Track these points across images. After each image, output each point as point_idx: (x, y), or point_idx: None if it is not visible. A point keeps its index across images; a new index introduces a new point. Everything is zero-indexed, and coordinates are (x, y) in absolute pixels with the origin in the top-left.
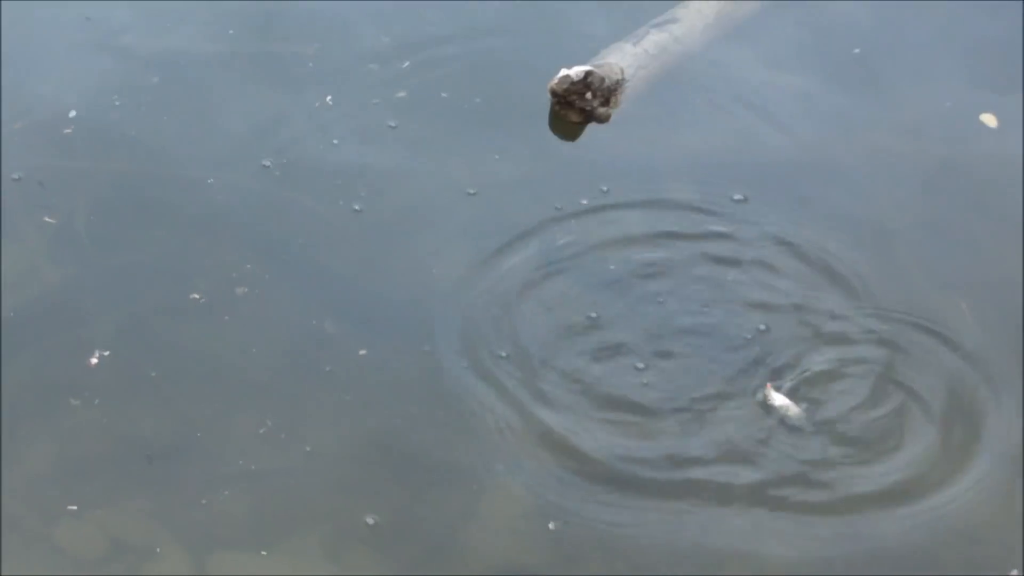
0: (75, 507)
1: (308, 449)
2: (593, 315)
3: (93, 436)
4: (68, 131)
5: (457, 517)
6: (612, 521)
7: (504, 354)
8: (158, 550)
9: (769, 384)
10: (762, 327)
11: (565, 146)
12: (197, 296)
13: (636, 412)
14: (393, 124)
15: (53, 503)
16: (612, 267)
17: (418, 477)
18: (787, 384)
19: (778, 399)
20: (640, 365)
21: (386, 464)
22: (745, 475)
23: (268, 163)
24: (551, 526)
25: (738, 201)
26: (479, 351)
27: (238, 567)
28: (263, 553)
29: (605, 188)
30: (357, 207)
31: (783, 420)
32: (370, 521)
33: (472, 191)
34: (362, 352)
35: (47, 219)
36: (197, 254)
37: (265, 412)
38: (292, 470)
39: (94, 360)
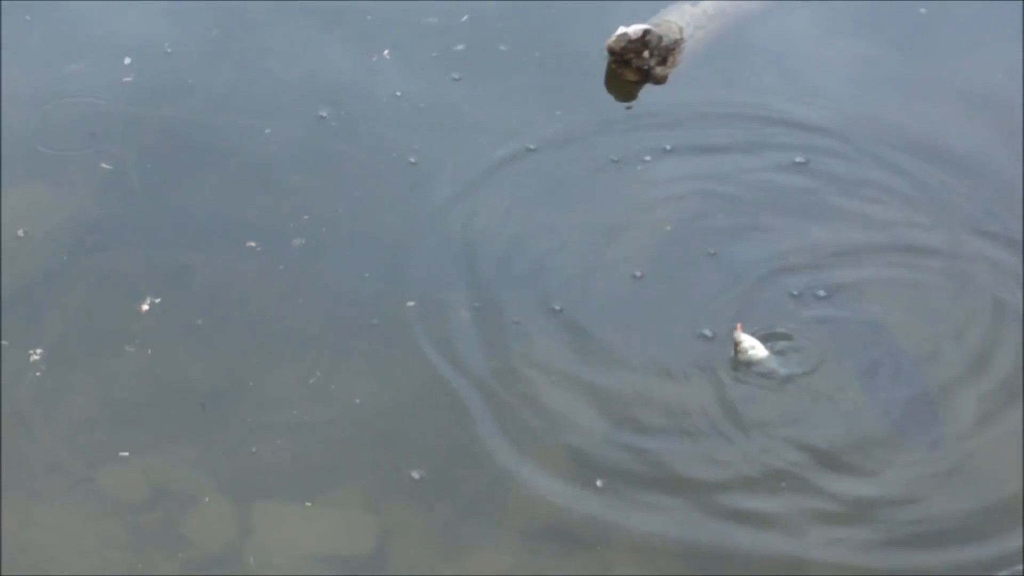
0: (120, 452)
1: (357, 401)
2: (637, 273)
3: (141, 382)
4: (128, 79)
5: (501, 473)
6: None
7: (558, 307)
8: (203, 498)
9: (739, 324)
10: None
11: (623, 104)
12: (253, 244)
13: None
14: (456, 76)
15: (97, 448)
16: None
17: (464, 432)
18: None
19: (747, 340)
20: None
21: (432, 418)
22: None
23: (325, 114)
24: (599, 483)
25: (799, 164)
26: (533, 306)
27: (281, 517)
28: (307, 504)
29: (668, 147)
30: (413, 159)
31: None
32: (415, 476)
33: (532, 146)
34: (410, 304)
35: (104, 165)
36: (255, 203)
37: (315, 363)
38: (338, 421)
39: (145, 307)
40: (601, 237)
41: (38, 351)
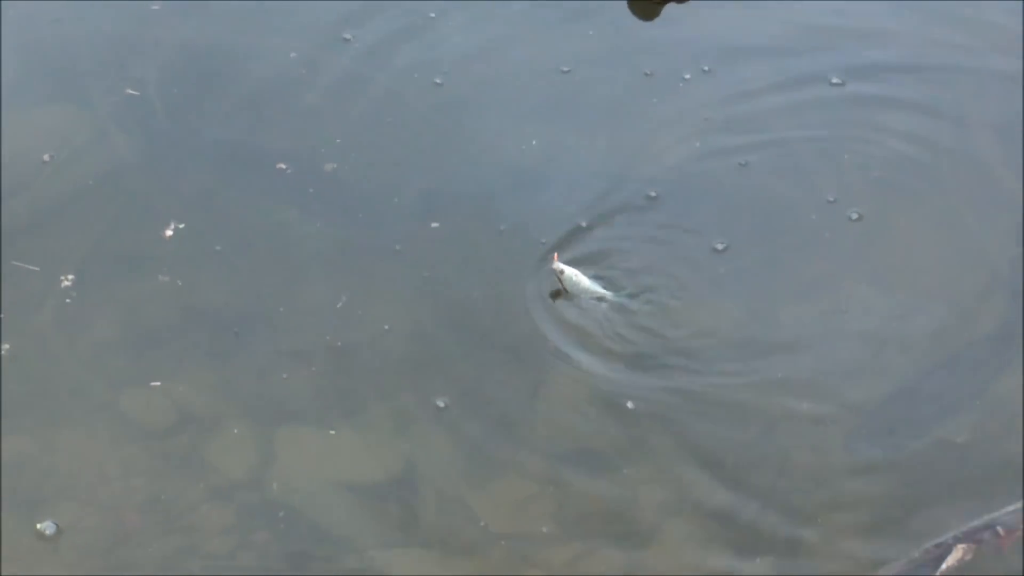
0: (144, 377)
1: (385, 327)
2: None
3: (165, 307)
4: (155, 6)
5: (526, 396)
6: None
7: (585, 224)
8: (227, 424)
9: (555, 255)
10: None
11: (650, 26)
12: (284, 166)
13: None
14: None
15: (121, 373)
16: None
17: (489, 356)
18: None
19: (567, 269)
20: None
21: (457, 343)
22: None
23: (349, 36)
24: (630, 405)
25: (836, 85)
26: (560, 224)
27: (305, 443)
28: (331, 431)
29: (706, 67)
30: (438, 80)
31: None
32: (440, 403)
33: (566, 68)
34: (434, 225)
35: (130, 91)
36: (285, 126)
37: (341, 288)
38: (364, 346)
39: (169, 232)
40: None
41: (69, 277)
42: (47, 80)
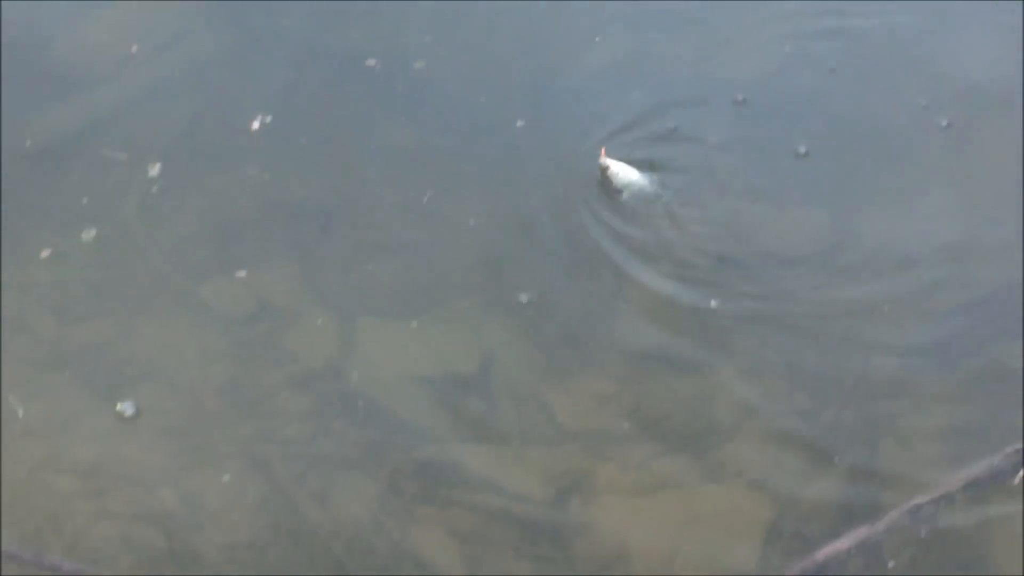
0: (227, 268)
1: (471, 223)
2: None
3: (249, 199)
4: None
5: (608, 295)
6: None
7: (673, 126)
8: (308, 314)
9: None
10: None
11: None
12: (373, 63)
13: None
14: None
15: (203, 263)
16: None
17: (574, 254)
18: None
19: (612, 164)
20: None
21: (542, 240)
22: None
23: None
24: (713, 304)
25: None
26: (648, 126)
27: (385, 334)
28: (412, 323)
29: None
30: None
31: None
32: (523, 298)
33: None
34: (519, 123)
35: None
36: (376, 23)
37: (428, 183)
38: (447, 241)
39: (255, 124)
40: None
41: (156, 167)
42: None
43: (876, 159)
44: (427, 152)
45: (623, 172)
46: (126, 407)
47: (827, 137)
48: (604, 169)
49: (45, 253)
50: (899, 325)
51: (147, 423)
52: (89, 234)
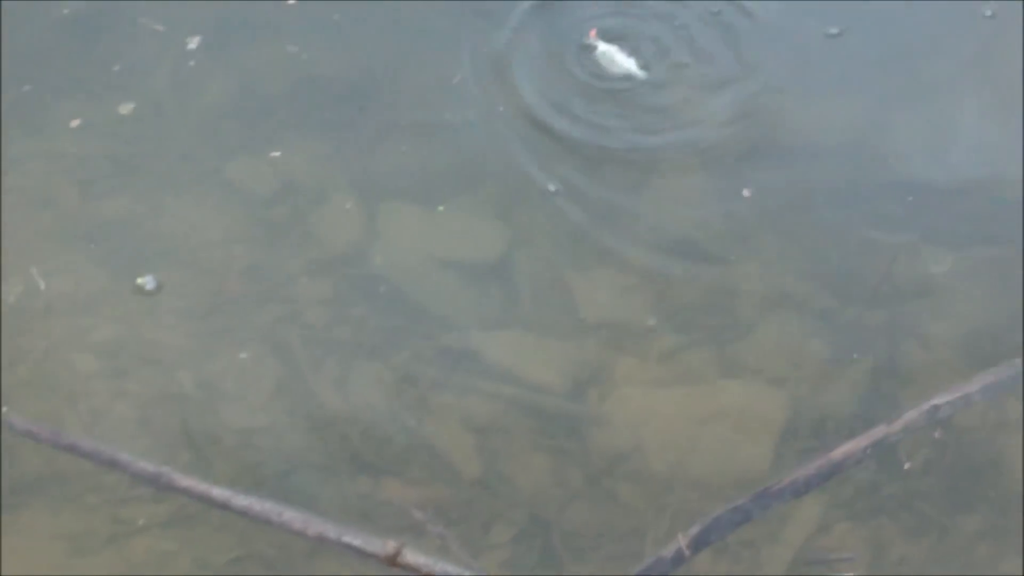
0: (254, 146)
1: (500, 109)
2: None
3: (279, 75)
4: None
5: (637, 183)
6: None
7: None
8: (333, 196)
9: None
10: None
11: None
12: None
13: None
14: None
15: (230, 140)
16: None
17: (602, 139)
18: None
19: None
20: None
21: (570, 127)
22: None
23: None
24: (746, 193)
25: None
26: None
27: (409, 218)
28: (438, 207)
29: None
30: None
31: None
32: (551, 188)
33: None
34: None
35: None
36: None
37: (457, 65)
38: (475, 124)
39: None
40: None
41: (195, 39)
42: None
43: (912, 47)
44: (461, 32)
45: (612, 54)
46: (147, 281)
47: (861, 19)
48: (592, 50)
49: (75, 123)
50: (926, 230)
51: (167, 303)
52: (127, 108)
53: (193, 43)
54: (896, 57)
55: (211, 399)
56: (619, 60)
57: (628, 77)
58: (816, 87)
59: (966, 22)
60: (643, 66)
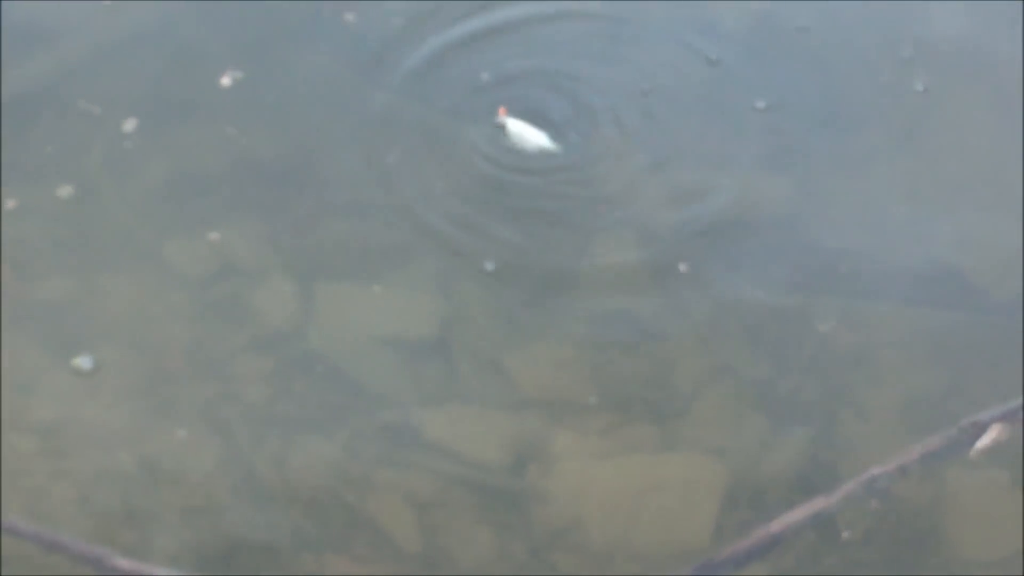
0: (194, 226)
1: (436, 190)
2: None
3: (214, 156)
4: None
5: (572, 259)
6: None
7: (647, 88)
8: (270, 275)
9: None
10: None
11: None
12: (351, 17)
13: None
14: None
15: (166, 220)
16: None
17: (535, 220)
18: None
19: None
20: None
21: (503, 207)
22: None
23: None
24: (682, 267)
25: None
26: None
27: (346, 296)
28: (372, 286)
29: None
30: None
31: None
32: (487, 266)
33: None
34: (484, 76)
35: None
36: None
37: (394, 143)
38: (408, 205)
39: (226, 80)
40: None
41: (131, 121)
42: None
43: (841, 121)
44: (396, 113)
45: (521, 131)
46: (83, 361)
47: (790, 95)
48: (502, 127)
49: (10, 204)
50: (859, 296)
51: (107, 382)
52: (65, 190)
53: (130, 125)
54: (825, 131)
55: (152, 478)
56: (529, 136)
57: (541, 152)
58: (745, 161)
59: (897, 96)
60: (555, 140)
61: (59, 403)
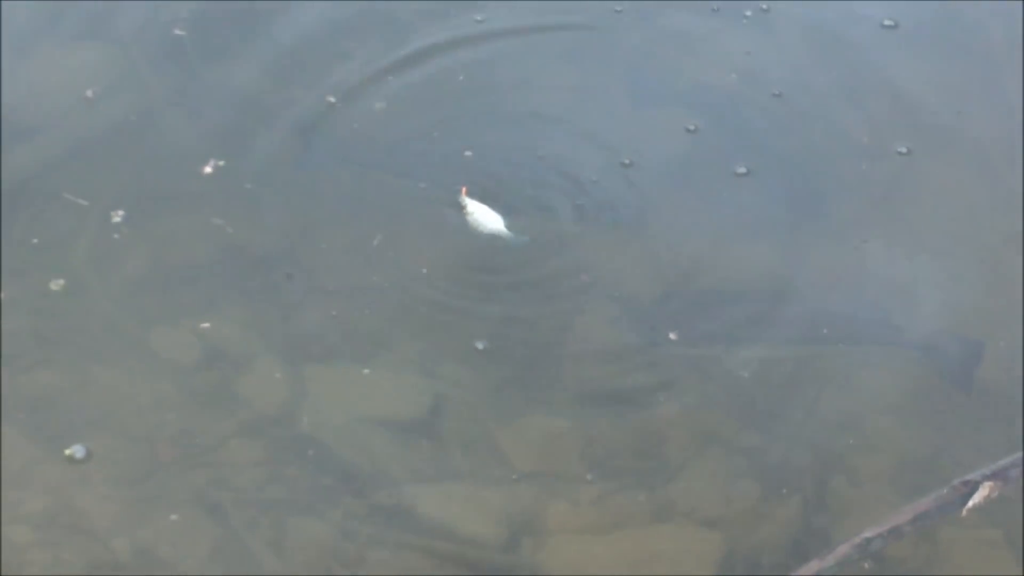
0: (184, 315)
1: (424, 271)
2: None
3: (198, 244)
4: None
5: (557, 335)
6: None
7: (627, 161)
8: (258, 361)
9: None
10: None
11: None
12: (333, 99)
13: None
14: None
15: (152, 309)
16: None
17: (522, 296)
18: None
19: (470, 204)
20: None
21: (487, 284)
22: None
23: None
24: (672, 336)
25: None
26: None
27: (336, 379)
28: (362, 368)
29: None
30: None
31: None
32: (476, 344)
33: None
34: (468, 153)
35: (177, 31)
36: (332, 60)
37: (377, 227)
38: (394, 287)
39: (208, 168)
40: None
41: (119, 213)
42: (83, 17)
43: (822, 185)
44: (379, 196)
45: (479, 214)
46: (76, 450)
47: (770, 160)
48: (463, 207)
49: None
50: (847, 363)
51: (99, 472)
52: (56, 283)
53: (117, 216)
54: (805, 196)
55: (147, 566)
56: (485, 221)
57: (496, 237)
58: (727, 227)
59: (879, 158)
60: (511, 226)
61: (52, 494)
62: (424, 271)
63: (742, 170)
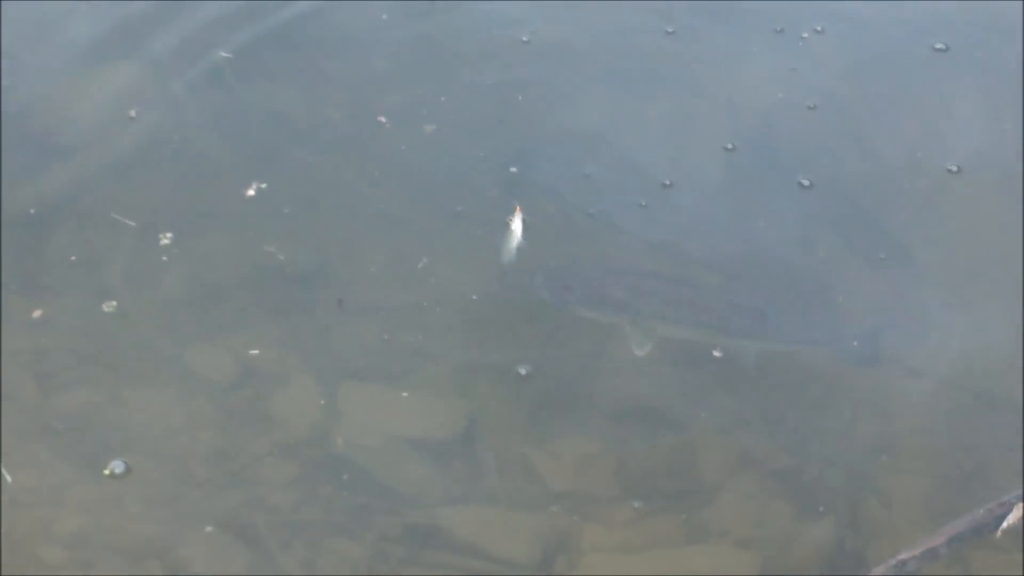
0: (213, 333)
1: (474, 297)
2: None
3: (236, 263)
4: None
5: (592, 355)
6: None
7: (668, 182)
8: (292, 379)
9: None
10: None
11: None
12: (384, 120)
13: None
14: None
15: (187, 328)
16: None
17: (557, 318)
18: None
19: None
20: None
21: (524, 304)
22: None
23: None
24: (717, 353)
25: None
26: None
27: (370, 399)
28: (398, 388)
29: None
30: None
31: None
32: (522, 371)
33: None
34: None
35: (222, 53)
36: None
37: (424, 250)
38: (432, 306)
39: (251, 191)
40: None
41: (167, 235)
42: (128, 38)
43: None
44: (425, 218)
45: (512, 234)
46: (115, 465)
47: (826, 174)
48: (509, 224)
49: (37, 314)
50: (883, 383)
51: (132, 491)
52: (91, 300)
53: (166, 238)
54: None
55: None
56: (510, 241)
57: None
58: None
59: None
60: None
61: (86, 513)
62: (461, 289)
63: (806, 182)
